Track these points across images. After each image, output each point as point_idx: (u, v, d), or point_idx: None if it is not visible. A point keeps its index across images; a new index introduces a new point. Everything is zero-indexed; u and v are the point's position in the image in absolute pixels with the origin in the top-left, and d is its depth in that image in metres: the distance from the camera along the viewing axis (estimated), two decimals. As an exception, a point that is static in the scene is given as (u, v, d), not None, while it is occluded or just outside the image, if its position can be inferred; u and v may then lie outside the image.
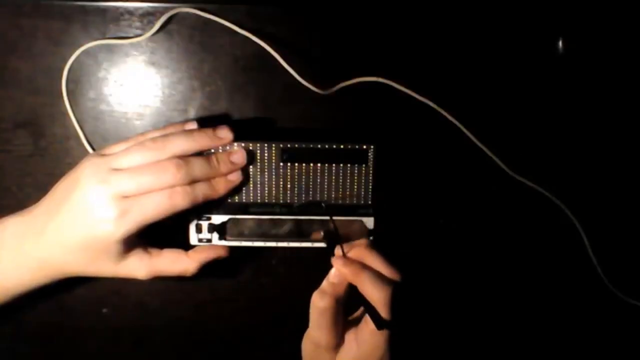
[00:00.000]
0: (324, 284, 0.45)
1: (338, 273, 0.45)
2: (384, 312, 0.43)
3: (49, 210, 0.44)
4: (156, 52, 0.51)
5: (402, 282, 0.44)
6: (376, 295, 0.43)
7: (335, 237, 0.47)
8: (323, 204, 0.49)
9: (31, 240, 0.44)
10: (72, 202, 0.43)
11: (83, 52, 0.50)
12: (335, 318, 0.44)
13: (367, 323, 0.43)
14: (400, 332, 0.44)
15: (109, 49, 0.50)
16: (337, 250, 0.46)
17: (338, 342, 0.45)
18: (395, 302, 0.43)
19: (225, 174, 0.46)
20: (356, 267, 0.44)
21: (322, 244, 0.49)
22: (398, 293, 0.43)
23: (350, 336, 0.45)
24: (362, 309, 0.46)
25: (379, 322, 0.42)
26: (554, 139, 0.55)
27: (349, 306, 0.46)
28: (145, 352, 0.56)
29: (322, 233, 0.49)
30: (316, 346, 0.45)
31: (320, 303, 0.44)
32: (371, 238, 0.49)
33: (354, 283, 0.44)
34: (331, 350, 0.44)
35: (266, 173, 0.48)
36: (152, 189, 0.43)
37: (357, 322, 0.45)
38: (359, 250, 0.46)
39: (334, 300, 0.44)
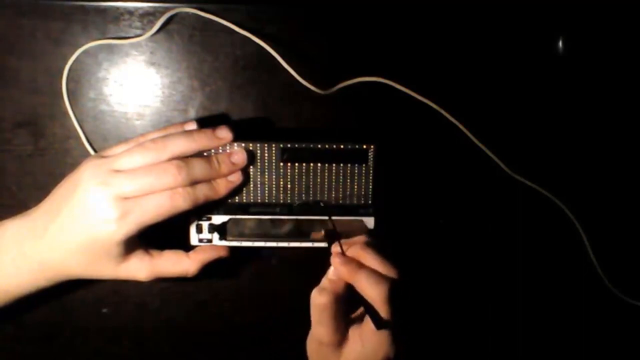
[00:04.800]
0: (323, 280, 0.45)
1: (336, 271, 0.45)
2: (382, 310, 0.43)
3: (49, 212, 0.44)
4: (156, 52, 0.51)
5: (400, 279, 0.44)
6: (373, 293, 0.43)
7: (335, 234, 0.47)
8: (322, 204, 0.49)
9: (31, 242, 0.44)
10: (73, 204, 0.43)
11: (83, 52, 0.50)
12: (336, 314, 0.44)
13: (370, 322, 0.43)
14: (403, 329, 0.44)
15: (109, 49, 0.50)
16: (336, 248, 0.46)
17: (341, 339, 0.44)
18: (393, 300, 0.43)
19: (226, 175, 0.46)
20: (353, 266, 0.44)
21: (323, 244, 0.49)
22: (396, 290, 0.43)
23: (354, 333, 0.45)
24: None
25: (377, 322, 0.42)
26: (554, 139, 0.55)
27: (353, 303, 0.46)
28: (145, 352, 0.56)
29: (322, 231, 0.49)
30: (320, 344, 0.45)
31: (319, 299, 0.44)
32: (368, 232, 0.49)
33: (351, 282, 0.44)
34: (335, 347, 0.44)
35: (266, 173, 0.48)
36: (153, 191, 0.43)
37: (361, 319, 0.45)
38: (357, 249, 0.46)
39: (333, 297, 0.44)
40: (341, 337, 0.44)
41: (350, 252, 0.46)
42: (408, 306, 0.44)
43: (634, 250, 0.57)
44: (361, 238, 0.48)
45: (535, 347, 0.58)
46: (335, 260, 0.45)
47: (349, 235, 0.49)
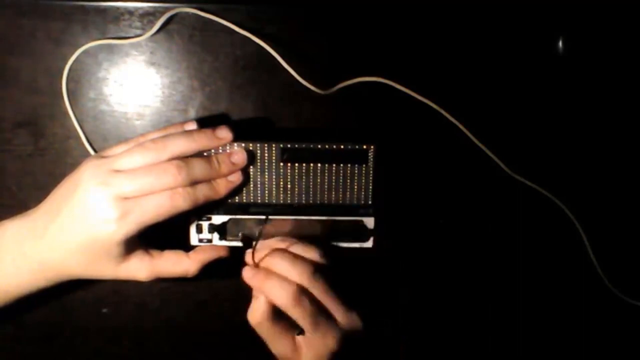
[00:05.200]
0: (252, 299, 0.45)
1: (249, 284, 0.45)
2: (293, 314, 0.43)
3: (49, 213, 0.44)
4: (156, 52, 0.51)
5: (326, 262, 0.45)
6: (279, 299, 0.43)
7: (250, 240, 0.47)
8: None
9: (31, 242, 0.44)
10: (73, 204, 0.43)
11: (83, 52, 0.50)
12: (278, 329, 0.45)
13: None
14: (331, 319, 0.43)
15: (109, 49, 0.50)
16: (248, 257, 0.46)
17: (295, 349, 0.45)
18: (302, 299, 0.43)
19: (226, 175, 0.46)
20: (260, 277, 0.44)
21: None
22: (309, 283, 0.43)
23: (300, 342, 0.45)
24: None
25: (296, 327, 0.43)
26: (554, 139, 0.55)
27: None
28: (145, 352, 0.56)
29: (240, 235, 0.49)
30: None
31: (253, 320, 0.45)
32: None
33: (262, 294, 0.44)
34: (295, 357, 0.45)
35: (266, 173, 0.48)
36: (153, 191, 0.43)
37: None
38: (268, 256, 0.46)
39: (264, 313, 0.44)
40: (294, 347, 0.45)
41: (262, 262, 0.46)
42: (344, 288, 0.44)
43: (634, 250, 0.57)
44: (271, 241, 0.48)
45: (535, 347, 0.58)
46: (245, 275, 0.45)
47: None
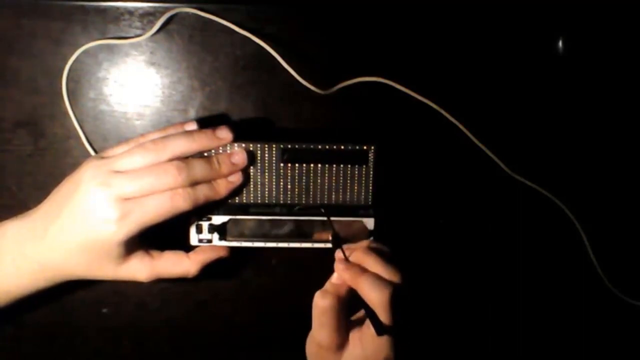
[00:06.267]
0: (327, 284, 0.45)
1: (339, 277, 0.45)
2: (383, 315, 0.42)
3: (49, 214, 0.44)
4: (156, 52, 0.51)
5: (403, 284, 0.44)
6: (375, 298, 0.43)
7: (339, 240, 0.47)
8: (322, 209, 0.49)
9: (32, 243, 0.44)
10: (73, 205, 0.43)
11: (83, 52, 0.50)
12: (338, 318, 0.44)
13: (370, 326, 0.43)
14: (404, 334, 0.43)
15: (109, 49, 0.50)
16: (339, 254, 0.46)
17: (341, 343, 0.44)
18: (395, 305, 0.42)
19: (226, 175, 0.46)
20: (355, 271, 0.44)
21: (322, 244, 0.49)
22: (398, 295, 0.43)
23: (354, 337, 0.45)
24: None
25: (378, 328, 0.42)
26: (554, 139, 0.55)
27: (353, 306, 0.46)
28: (145, 352, 0.56)
29: (330, 236, 0.49)
30: (319, 347, 0.45)
31: (322, 302, 0.44)
32: (371, 238, 0.49)
33: (354, 287, 0.44)
34: (335, 350, 0.44)
35: (266, 173, 0.48)
36: (154, 191, 0.43)
37: (361, 322, 0.45)
38: (359, 253, 0.46)
39: (336, 300, 0.44)
40: (341, 340, 0.44)
41: (353, 257, 0.46)
42: (410, 311, 0.44)
43: (634, 250, 0.57)
44: (364, 243, 0.48)
45: (535, 347, 0.58)
46: (338, 267, 0.45)
47: (352, 238, 0.49)
